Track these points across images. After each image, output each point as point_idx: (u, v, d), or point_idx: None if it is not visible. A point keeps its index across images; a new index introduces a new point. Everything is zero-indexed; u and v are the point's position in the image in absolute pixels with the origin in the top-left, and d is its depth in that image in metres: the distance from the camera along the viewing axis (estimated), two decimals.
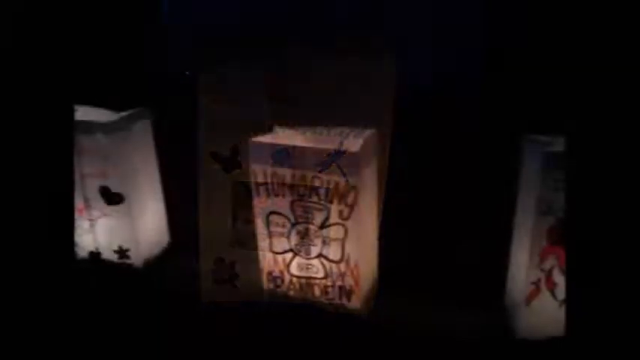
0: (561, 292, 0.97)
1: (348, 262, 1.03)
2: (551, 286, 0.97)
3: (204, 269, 1.16)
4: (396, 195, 1.16)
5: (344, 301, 1.07)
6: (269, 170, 1.02)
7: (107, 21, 1.31)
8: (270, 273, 1.11)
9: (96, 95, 1.23)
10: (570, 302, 0.68)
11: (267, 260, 1.10)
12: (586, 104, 0.65)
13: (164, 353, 1.07)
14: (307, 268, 1.07)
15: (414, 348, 1.03)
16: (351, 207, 0.99)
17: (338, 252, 1.03)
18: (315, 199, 1.01)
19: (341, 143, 0.98)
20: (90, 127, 1.15)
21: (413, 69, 1.13)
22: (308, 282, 1.08)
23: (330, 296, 1.08)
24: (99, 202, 1.21)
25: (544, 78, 1.05)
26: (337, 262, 1.04)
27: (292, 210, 1.03)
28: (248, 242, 1.12)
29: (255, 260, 1.11)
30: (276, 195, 1.03)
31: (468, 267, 1.13)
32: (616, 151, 0.64)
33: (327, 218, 1.01)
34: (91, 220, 1.23)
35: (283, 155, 1.00)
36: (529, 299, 0.98)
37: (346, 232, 1.01)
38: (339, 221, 1.01)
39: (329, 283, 1.06)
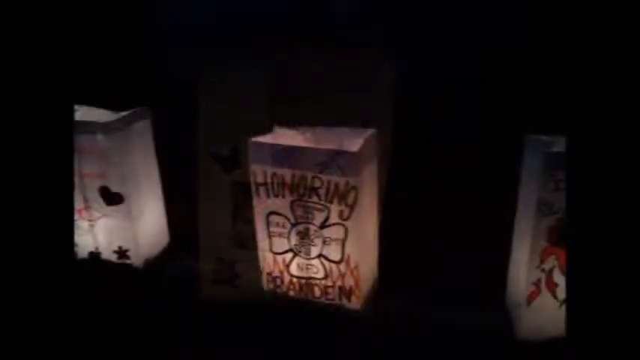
0: (562, 292, 0.96)
1: (348, 263, 1.03)
2: (552, 287, 0.97)
3: (204, 269, 1.16)
4: (396, 195, 1.16)
5: (344, 301, 1.07)
6: (269, 170, 1.02)
7: (107, 21, 1.31)
8: (270, 273, 1.11)
9: (96, 95, 1.23)
10: (571, 302, 0.68)
11: (267, 260, 1.10)
12: (587, 104, 0.65)
13: (164, 353, 1.07)
14: (307, 269, 1.07)
15: (414, 348, 1.03)
16: (351, 207, 0.99)
17: (338, 252, 1.03)
18: (315, 199, 1.01)
19: (341, 143, 0.98)
20: (90, 127, 1.15)
21: (413, 69, 1.13)
22: (308, 282, 1.08)
23: (330, 296, 1.07)
24: (99, 203, 1.21)
25: (544, 78, 1.05)
26: (337, 263, 1.04)
27: (292, 210, 1.03)
28: (248, 242, 1.12)
29: (255, 260, 1.11)
30: (276, 195, 1.03)
31: (468, 267, 1.13)
32: (617, 151, 0.63)
33: (327, 218, 1.01)
34: (90, 220, 1.23)
35: (283, 155, 1.00)
36: (529, 299, 0.98)
37: (346, 232, 1.01)
38: (339, 221, 1.01)
39: (329, 284, 1.06)
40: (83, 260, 1.26)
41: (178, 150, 1.24)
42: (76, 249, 1.25)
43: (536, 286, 0.97)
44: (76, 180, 1.17)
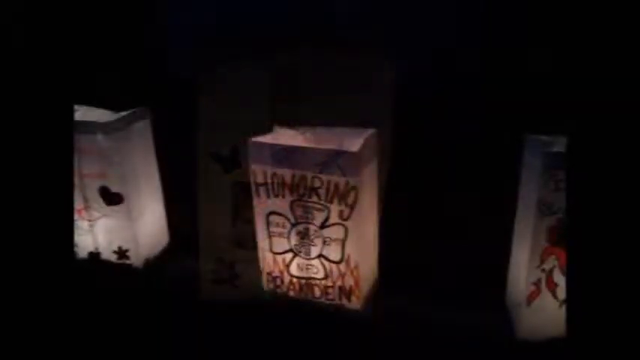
0: (562, 292, 0.96)
1: (348, 263, 1.03)
2: (552, 287, 0.97)
3: (204, 269, 1.16)
4: (396, 195, 1.16)
5: (344, 301, 1.07)
6: (269, 170, 1.02)
7: (107, 21, 1.31)
8: (270, 273, 1.11)
9: (96, 95, 1.23)
10: (571, 303, 0.68)
11: (267, 260, 1.10)
12: (587, 104, 0.65)
13: (164, 353, 1.07)
14: (307, 269, 1.07)
15: (414, 348, 1.03)
16: (351, 207, 0.99)
17: (338, 252, 1.03)
18: (315, 199, 1.01)
19: (341, 143, 0.98)
20: (90, 127, 1.15)
21: (413, 69, 1.13)
22: (308, 282, 1.08)
23: (330, 297, 1.07)
24: (98, 203, 1.21)
25: (544, 78, 1.05)
26: (337, 263, 1.04)
27: (292, 210, 1.03)
28: (248, 242, 1.12)
29: (255, 260, 1.11)
30: (276, 195, 1.03)
31: (468, 267, 1.13)
32: (617, 151, 0.63)
33: (327, 218, 1.01)
34: (90, 220, 1.23)
35: (283, 155, 1.00)
36: (530, 300, 0.98)
37: (346, 232, 1.01)
38: (339, 221, 1.01)
39: (329, 284, 1.06)
40: (83, 260, 1.26)
41: (178, 150, 1.24)
42: (75, 249, 1.25)
43: (536, 286, 0.97)
44: (76, 180, 1.17)
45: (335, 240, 1.02)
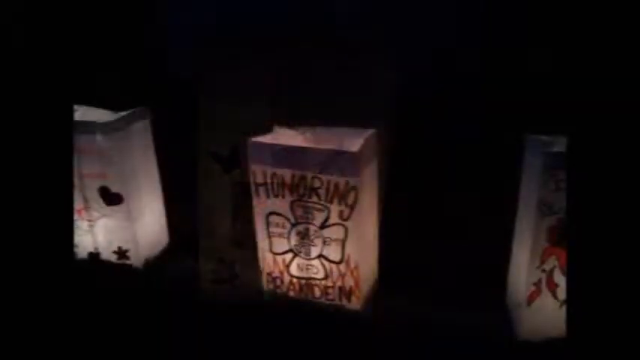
0: (562, 292, 0.96)
1: (348, 263, 1.03)
2: (552, 287, 0.97)
3: (204, 269, 1.16)
4: (396, 195, 1.16)
5: (344, 301, 1.07)
6: (269, 170, 1.02)
7: (107, 21, 1.31)
8: (270, 273, 1.11)
9: (96, 95, 1.23)
10: (571, 303, 0.68)
11: (267, 261, 1.10)
12: (587, 104, 0.65)
13: (164, 353, 1.07)
14: (307, 269, 1.07)
15: (414, 348, 1.02)
16: (351, 207, 0.99)
17: (338, 252, 1.03)
18: (315, 199, 1.01)
19: (341, 143, 0.98)
20: (90, 127, 1.15)
21: (413, 69, 1.13)
22: (308, 282, 1.08)
23: (330, 297, 1.07)
24: (98, 203, 1.21)
25: (544, 78, 1.05)
26: (337, 263, 1.04)
27: (292, 210, 1.03)
28: (248, 242, 1.12)
29: (255, 260, 1.11)
30: (276, 195, 1.03)
31: (468, 267, 1.13)
32: (617, 151, 0.63)
33: (327, 219, 1.01)
34: (90, 220, 1.22)
35: (283, 155, 1.00)
36: (530, 300, 0.98)
37: (346, 232, 1.01)
38: (339, 221, 1.01)
39: (329, 284, 1.06)
40: (83, 260, 1.25)
41: (178, 150, 1.24)
42: (75, 249, 1.25)
43: (536, 287, 0.97)
44: (76, 180, 1.17)
45: (335, 240, 1.02)
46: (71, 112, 0.91)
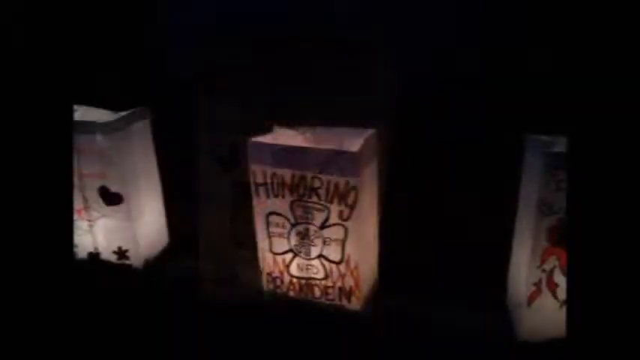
0: (562, 292, 0.96)
1: (348, 263, 1.03)
2: (553, 287, 0.97)
3: (204, 269, 1.16)
4: (396, 195, 1.16)
5: (344, 301, 1.07)
6: (269, 170, 1.02)
7: (107, 21, 1.31)
8: (270, 273, 1.11)
9: (96, 95, 1.23)
10: (571, 303, 0.68)
11: (267, 261, 1.10)
12: (587, 104, 0.65)
13: (164, 353, 1.07)
14: (307, 269, 1.07)
15: (414, 348, 1.02)
16: (351, 207, 0.99)
17: (338, 252, 1.03)
18: (315, 199, 1.01)
19: (341, 143, 0.98)
20: (89, 127, 1.15)
21: (413, 69, 1.13)
22: (308, 283, 1.08)
23: (330, 297, 1.07)
24: (98, 203, 1.21)
25: (544, 78, 1.05)
26: (337, 263, 1.04)
27: (292, 210, 1.03)
28: (248, 242, 1.12)
29: (254, 260, 1.11)
30: (276, 195, 1.03)
31: (468, 267, 1.13)
32: (617, 151, 0.63)
33: (327, 219, 1.01)
34: (90, 220, 1.22)
35: (283, 155, 1.00)
36: (530, 300, 0.98)
37: (346, 232, 1.01)
38: (339, 222, 1.01)
39: (329, 284, 1.06)
40: (82, 260, 1.25)
41: (178, 150, 1.24)
42: (75, 249, 1.25)
43: (536, 287, 0.97)
44: (76, 180, 1.17)
45: (335, 240, 1.02)
46: (71, 112, 0.91)
